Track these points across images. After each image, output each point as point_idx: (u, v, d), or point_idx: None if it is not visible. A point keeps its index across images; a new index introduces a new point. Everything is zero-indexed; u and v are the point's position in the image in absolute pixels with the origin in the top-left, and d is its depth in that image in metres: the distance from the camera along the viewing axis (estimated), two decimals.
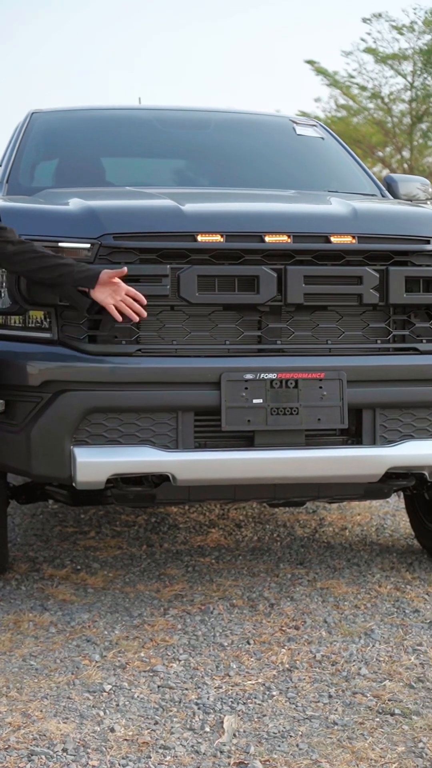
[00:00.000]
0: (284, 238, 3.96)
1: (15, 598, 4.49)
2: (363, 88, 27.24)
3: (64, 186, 5.27)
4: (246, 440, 3.98)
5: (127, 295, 3.77)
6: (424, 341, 4.10)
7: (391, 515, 6.04)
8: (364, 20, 26.53)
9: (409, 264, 4.07)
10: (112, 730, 3.22)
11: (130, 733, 3.20)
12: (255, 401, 3.90)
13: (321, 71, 27.47)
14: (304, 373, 3.93)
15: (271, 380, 3.91)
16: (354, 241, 4.02)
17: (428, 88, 26.27)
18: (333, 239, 4.00)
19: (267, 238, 3.95)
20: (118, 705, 3.41)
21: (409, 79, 26.42)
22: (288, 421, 3.93)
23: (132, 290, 3.77)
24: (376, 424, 4.06)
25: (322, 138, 6.01)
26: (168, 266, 3.88)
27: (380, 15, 26.34)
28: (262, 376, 3.90)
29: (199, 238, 3.92)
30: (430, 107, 26.34)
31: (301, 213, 4.25)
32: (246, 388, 3.90)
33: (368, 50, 26.59)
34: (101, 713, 3.35)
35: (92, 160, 5.76)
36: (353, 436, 4.09)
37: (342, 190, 5.47)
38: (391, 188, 5.74)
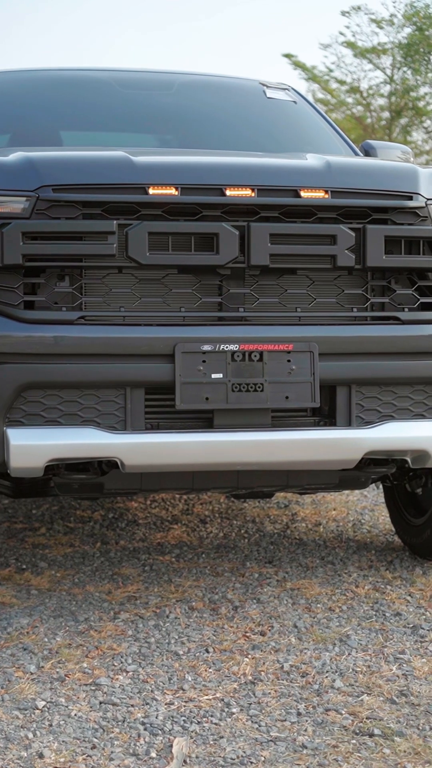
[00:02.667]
0: (247, 191, 3.50)
1: None
2: (342, 82, 26.84)
3: (17, 146, 4.80)
4: (204, 420, 3.51)
5: None
6: (406, 310, 3.64)
7: (370, 510, 5.59)
8: (343, 13, 26.16)
9: (390, 222, 3.61)
10: (41, 755, 2.74)
11: (62, 760, 2.72)
12: (214, 376, 3.43)
13: (299, 65, 27.06)
14: (270, 345, 3.46)
15: (233, 352, 3.44)
16: (327, 195, 3.55)
17: (407, 83, 25.92)
18: (303, 193, 3.53)
19: (228, 192, 3.49)
20: (51, 725, 2.93)
21: (389, 73, 26.06)
22: (252, 398, 3.46)
23: None
24: (352, 403, 3.59)
25: (294, 102, 5.55)
26: (115, 222, 3.40)
27: (359, 8, 25.95)
28: (222, 347, 3.44)
29: (151, 190, 3.45)
30: (410, 102, 25.99)
31: (266, 165, 3.78)
32: (204, 361, 3.43)
33: (347, 44, 26.21)
34: (30, 735, 2.86)
35: (47, 122, 5.28)
36: (326, 416, 3.63)
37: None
38: (369, 155, 5.28)
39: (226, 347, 3.44)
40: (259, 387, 3.46)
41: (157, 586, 4.19)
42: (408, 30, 25.58)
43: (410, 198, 3.63)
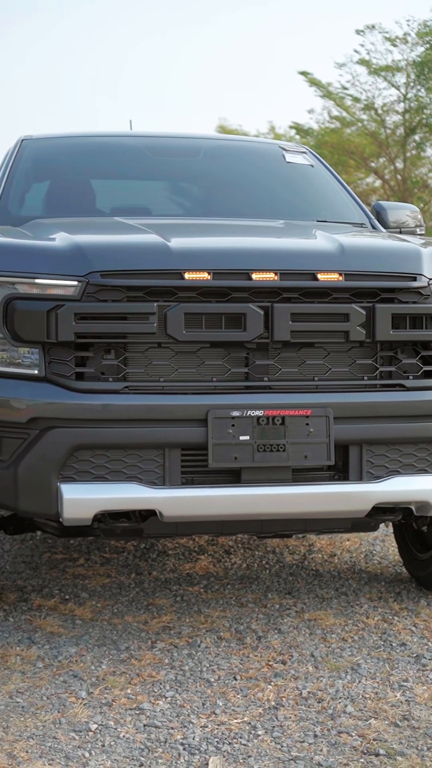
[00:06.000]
0: (271, 275, 3.98)
1: (3, 631, 4.50)
2: (356, 100, 27.35)
3: (54, 215, 5.30)
4: (233, 476, 3.99)
5: None
6: (411, 377, 4.11)
7: (381, 540, 6.06)
8: (358, 32, 26.66)
9: (396, 301, 4.08)
10: None
11: None
12: (242, 438, 3.92)
13: (314, 82, 27.58)
14: (290, 410, 3.94)
15: (258, 417, 3.93)
16: (341, 278, 4.03)
17: (421, 100, 26.37)
18: (320, 276, 4.01)
19: (254, 276, 3.97)
20: (103, 745, 3.42)
21: (402, 90, 26.54)
22: (275, 457, 3.94)
23: None
24: (363, 460, 4.07)
25: (312, 165, 6.04)
26: (155, 304, 3.89)
27: (374, 27, 26.47)
28: (248, 413, 3.92)
29: (187, 275, 3.93)
30: (423, 119, 26.43)
31: (288, 250, 4.26)
32: (233, 425, 3.91)
33: (362, 62, 26.70)
34: (87, 754, 3.35)
35: (82, 189, 5.78)
36: (340, 471, 4.11)
37: (331, 218, 5.49)
38: (380, 216, 5.76)
39: (253, 413, 3.92)
40: (281, 447, 3.94)
41: (188, 616, 4.67)
42: (421, 48, 26.04)
43: (414, 279, 4.10)
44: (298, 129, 29.64)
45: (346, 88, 27.27)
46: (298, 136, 29.64)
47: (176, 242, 4.11)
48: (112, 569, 5.45)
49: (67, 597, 4.98)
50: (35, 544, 5.97)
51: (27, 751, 3.36)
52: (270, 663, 4.12)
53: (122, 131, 6.46)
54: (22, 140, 5.97)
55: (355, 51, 27.88)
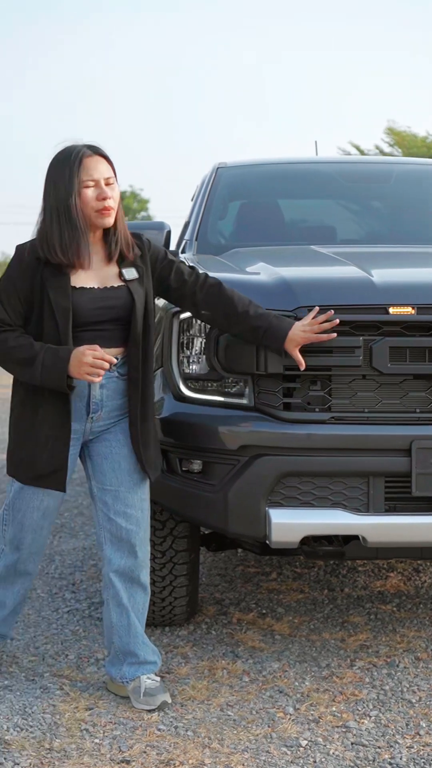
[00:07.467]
0: None
1: (207, 644, 4.73)
2: None
3: (250, 242, 5.50)
4: None
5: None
6: None
7: None
8: None
9: None
10: None
11: None
12: None
13: None
14: None
15: None
16: None
17: None
18: None
19: None
20: (315, 761, 3.60)
21: None
22: None
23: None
24: None
25: None
26: (361, 338, 4.05)
27: None
28: None
29: (391, 310, 4.07)
30: None
31: None
32: None
33: None
34: None
35: (275, 216, 5.97)
36: None
37: None
38: None
39: None
40: None
41: (384, 635, 4.82)
42: None
43: None
44: None
45: None
46: None
47: (379, 276, 4.25)
48: (305, 585, 5.63)
49: (264, 612, 5.18)
50: (227, 557, 6.21)
51: (243, 764, 3.57)
52: None
53: (312, 158, 6.63)
54: (218, 168, 6.21)
55: None
